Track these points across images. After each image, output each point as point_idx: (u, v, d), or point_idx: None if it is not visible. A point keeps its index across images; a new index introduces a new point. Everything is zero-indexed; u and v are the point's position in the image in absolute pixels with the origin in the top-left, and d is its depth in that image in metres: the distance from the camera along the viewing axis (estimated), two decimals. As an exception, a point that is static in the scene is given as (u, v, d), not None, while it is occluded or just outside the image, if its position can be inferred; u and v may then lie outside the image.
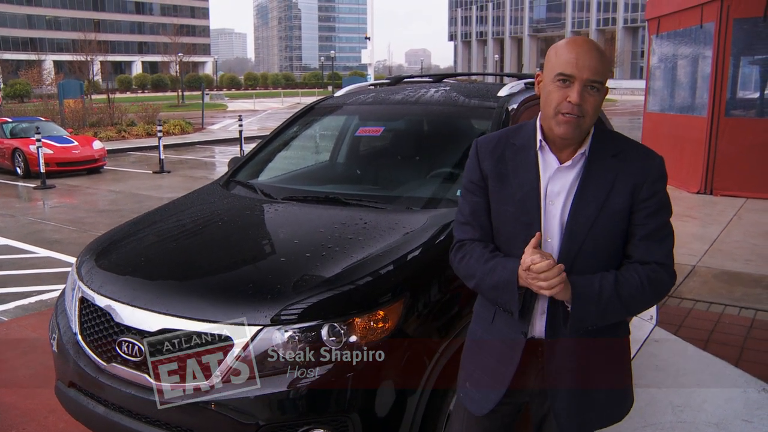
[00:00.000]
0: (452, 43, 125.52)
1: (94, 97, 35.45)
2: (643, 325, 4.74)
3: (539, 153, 1.88)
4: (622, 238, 1.85)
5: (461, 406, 2.10)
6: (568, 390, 1.91)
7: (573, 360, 1.88)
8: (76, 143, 14.82)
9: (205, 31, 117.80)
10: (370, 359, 2.37)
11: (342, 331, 2.37)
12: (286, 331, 2.35)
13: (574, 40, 1.79)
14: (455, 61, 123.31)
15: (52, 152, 13.85)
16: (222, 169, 14.70)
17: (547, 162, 1.87)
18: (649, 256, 1.83)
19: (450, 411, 2.51)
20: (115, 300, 2.64)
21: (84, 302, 2.81)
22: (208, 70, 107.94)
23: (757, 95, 10.29)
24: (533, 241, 1.76)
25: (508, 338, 1.91)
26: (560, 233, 1.84)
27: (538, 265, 1.71)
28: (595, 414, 1.96)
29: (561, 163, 1.85)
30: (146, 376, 2.48)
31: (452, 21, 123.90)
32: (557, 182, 1.85)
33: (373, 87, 4.69)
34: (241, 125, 18.03)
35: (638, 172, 1.83)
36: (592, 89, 1.75)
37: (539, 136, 1.88)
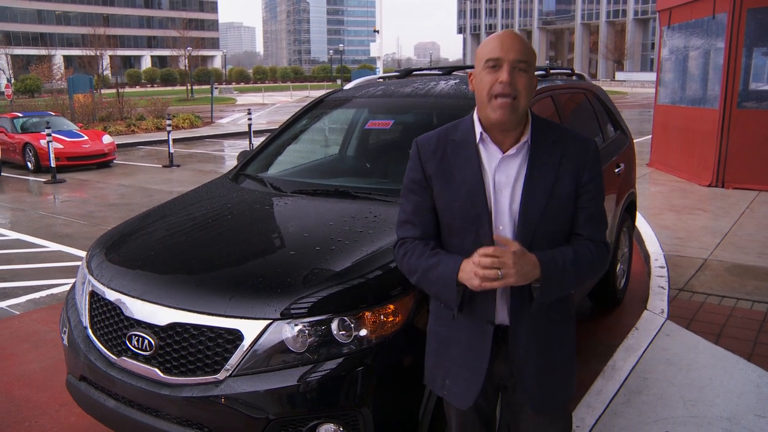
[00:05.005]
0: (461, 35, 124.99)
1: (103, 91, 35.56)
2: (654, 318, 4.71)
3: (480, 146, 1.93)
4: (570, 220, 1.96)
5: (449, 403, 2.14)
6: (534, 369, 1.97)
7: (535, 341, 1.96)
8: (86, 138, 14.86)
9: (213, 25, 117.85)
10: (381, 353, 2.37)
11: (352, 325, 2.36)
12: (295, 325, 2.35)
13: (497, 33, 1.89)
14: (464, 54, 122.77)
15: (62, 147, 13.90)
16: (231, 163, 14.72)
17: (490, 153, 1.92)
18: (596, 236, 1.96)
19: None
20: (125, 294, 2.64)
21: (94, 296, 2.82)
22: (217, 64, 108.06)
23: (770, 87, 10.18)
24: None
25: (476, 330, 1.96)
26: (511, 221, 1.90)
27: (483, 253, 1.75)
28: (557, 392, 2.03)
29: (504, 152, 1.91)
30: (156, 369, 2.48)
31: (461, 13, 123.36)
32: (503, 172, 1.91)
33: (382, 80, 4.67)
34: (250, 119, 18.04)
35: (578, 156, 1.93)
36: (520, 70, 1.83)
37: (478, 129, 1.92)
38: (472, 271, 1.78)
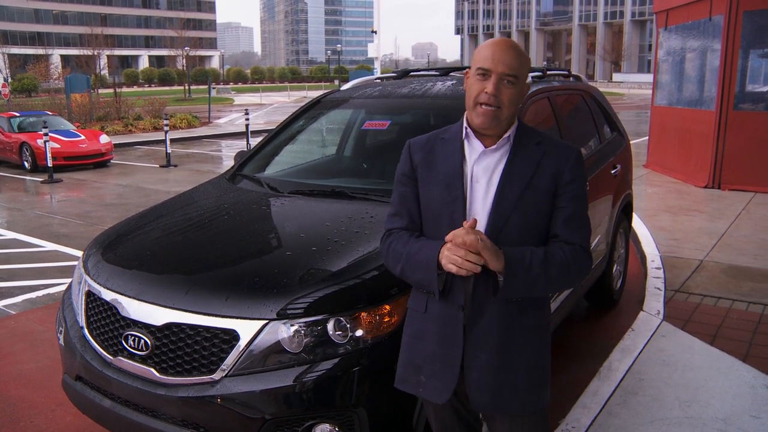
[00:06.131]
0: (459, 36, 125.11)
1: (101, 91, 35.45)
2: (650, 319, 4.72)
3: (465, 141, 2.01)
4: (546, 218, 1.97)
5: (428, 403, 2.13)
6: (486, 364, 1.95)
7: (494, 335, 1.94)
8: (83, 137, 14.83)
9: (211, 25, 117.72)
10: (376, 354, 2.37)
11: (348, 326, 2.37)
12: (292, 325, 2.35)
13: (494, 40, 1.95)
14: (462, 55, 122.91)
15: (59, 146, 13.87)
16: (229, 163, 14.71)
17: (473, 147, 1.99)
18: (573, 238, 1.95)
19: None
20: (122, 294, 2.64)
21: (90, 296, 2.82)
22: (215, 64, 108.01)
23: (766, 89, 10.18)
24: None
25: (447, 318, 1.97)
26: (485, 209, 1.94)
27: (456, 232, 1.81)
28: (512, 396, 1.98)
29: (486, 147, 1.98)
30: (152, 369, 2.49)
31: (459, 14, 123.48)
32: (482, 163, 1.98)
33: (379, 80, 4.68)
34: (247, 119, 18.00)
35: (559, 157, 1.97)
36: (507, 83, 1.89)
37: (465, 125, 2.01)
38: (448, 256, 1.82)
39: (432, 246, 1.91)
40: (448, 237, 1.83)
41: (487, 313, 1.93)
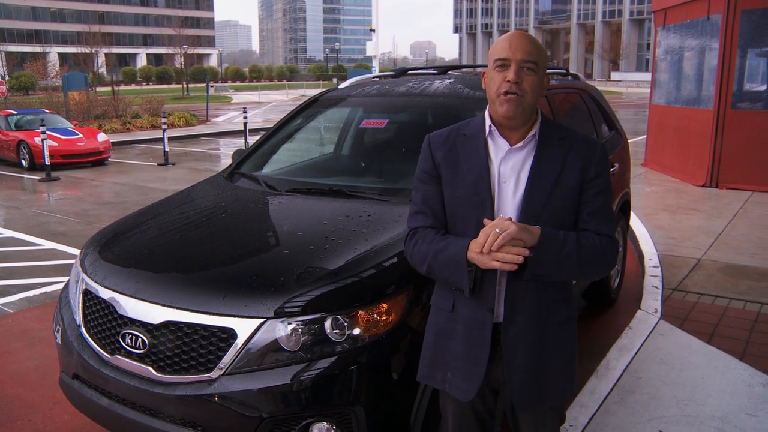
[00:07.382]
0: (457, 35, 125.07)
1: (98, 89, 35.42)
2: (647, 318, 4.73)
3: (489, 139, 1.99)
4: (573, 214, 1.97)
5: (447, 396, 2.14)
6: (526, 365, 1.97)
7: (528, 335, 1.96)
8: (80, 135, 14.81)
9: (209, 23, 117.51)
10: (374, 352, 2.37)
11: (345, 324, 2.37)
12: (289, 323, 2.35)
13: (508, 33, 1.97)
14: (460, 54, 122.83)
15: (56, 144, 13.86)
16: (226, 161, 14.69)
17: (498, 146, 1.98)
18: (602, 230, 1.96)
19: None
20: (119, 292, 2.64)
21: (88, 294, 2.81)
22: (213, 62, 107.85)
23: (764, 87, 10.19)
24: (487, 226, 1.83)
25: (475, 320, 1.97)
26: (514, 211, 1.93)
27: (510, 230, 1.78)
28: (548, 390, 2.02)
29: (511, 145, 1.95)
30: (150, 368, 2.48)
31: (457, 13, 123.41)
32: (509, 163, 1.96)
33: (377, 79, 4.67)
34: (245, 117, 17.99)
35: (584, 153, 1.97)
36: (528, 70, 1.89)
37: (488, 123, 1.99)
38: (480, 257, 1.81)
39: (460, 242, 1.90)
40: (484, 246, 1.80)
41: (519, 314, 1.95)
